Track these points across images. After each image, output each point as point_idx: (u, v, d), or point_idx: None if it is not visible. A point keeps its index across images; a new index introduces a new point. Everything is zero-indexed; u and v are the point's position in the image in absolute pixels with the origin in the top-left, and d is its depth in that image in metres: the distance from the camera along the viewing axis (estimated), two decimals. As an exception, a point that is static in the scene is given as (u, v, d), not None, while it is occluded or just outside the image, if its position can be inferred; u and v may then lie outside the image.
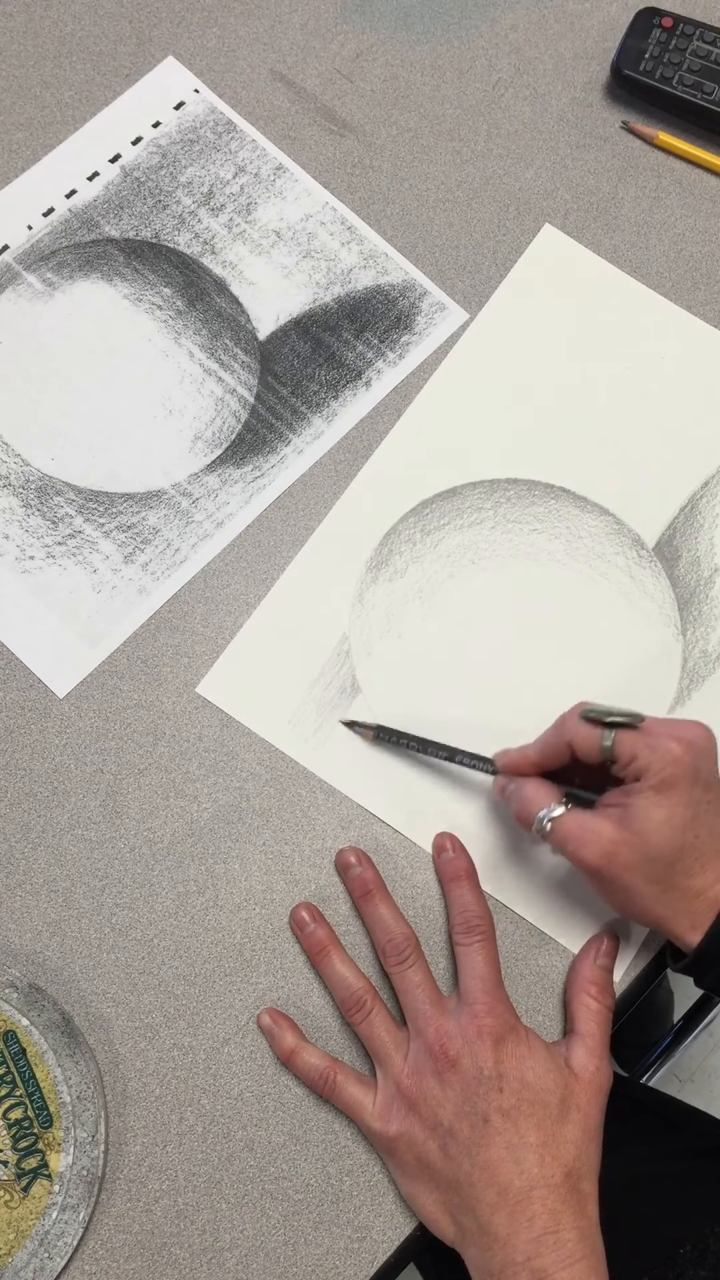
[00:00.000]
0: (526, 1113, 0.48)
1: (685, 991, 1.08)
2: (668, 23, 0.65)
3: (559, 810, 0.49)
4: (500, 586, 0.59)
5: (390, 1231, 0.51)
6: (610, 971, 0.53)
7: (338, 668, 0.57)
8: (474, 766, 0.54)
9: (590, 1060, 0.50)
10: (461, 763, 0.55)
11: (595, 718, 0.49)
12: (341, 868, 0.55)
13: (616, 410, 0.61)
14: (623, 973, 0.54)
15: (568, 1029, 0.52)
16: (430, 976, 0.52)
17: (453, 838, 0.55)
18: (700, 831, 0.47)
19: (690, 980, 0.50)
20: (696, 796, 0.47)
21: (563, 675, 0.58)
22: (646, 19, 0.65)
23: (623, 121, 0.66)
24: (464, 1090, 0.48)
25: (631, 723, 0.49)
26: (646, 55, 0.64)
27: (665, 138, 0.65)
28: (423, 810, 0.56)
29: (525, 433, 0.61)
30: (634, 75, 0.64)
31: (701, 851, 0.47)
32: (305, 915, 0.54)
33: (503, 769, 0.53)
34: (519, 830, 0.55)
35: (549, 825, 0.49)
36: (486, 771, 0.54)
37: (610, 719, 0.49)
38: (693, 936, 0.48)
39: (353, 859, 0.54)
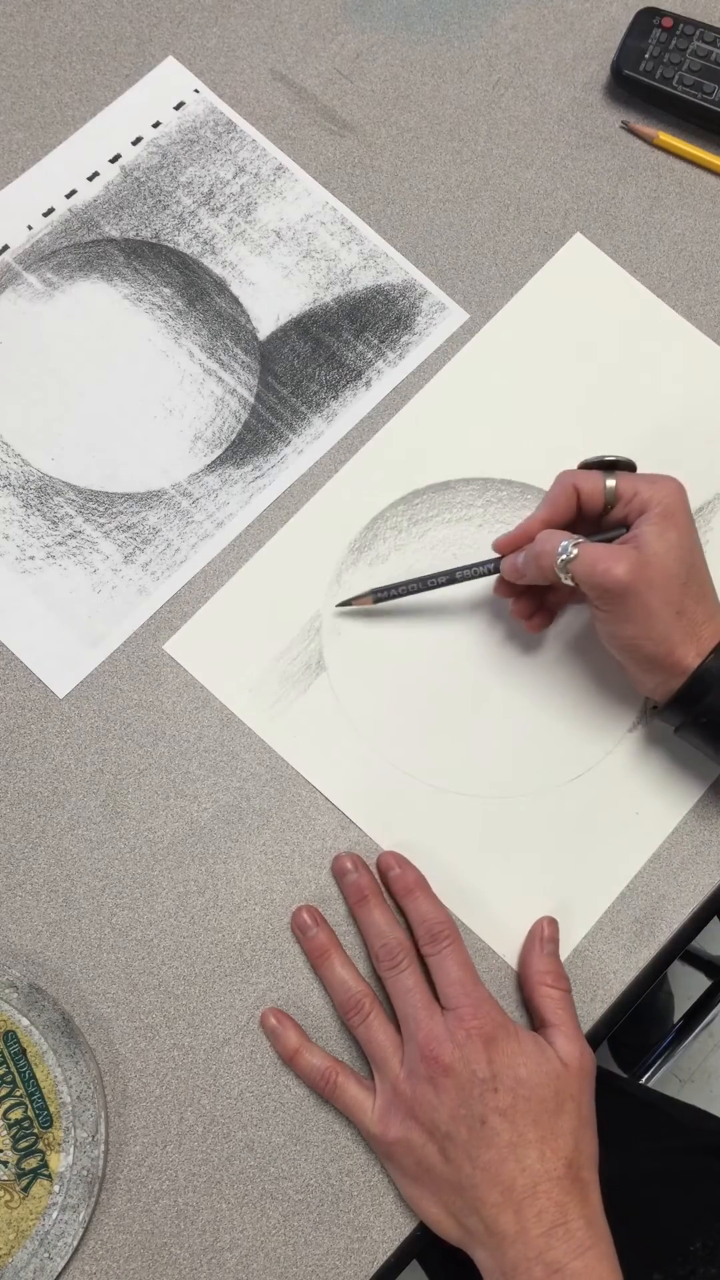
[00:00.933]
0: (523, 1110, 0.48)
1: (685, 992, 1.08)
2: (668, 23, 0.65)
3: (576, 543, 0.51)
4: (479, 585, 0.59)
5: (390, 1231, 0.51)
6: (558, 957, 0.54)
7: (306, 644, 0.58)
8: (481, 572, 0.55)
9: (572, 1047, 0.50)
10: (466, 576, 0.56)
11: (595, 462, 0.54)
12: (338, 873, 0.55)
13: (623, 426, 0.61)
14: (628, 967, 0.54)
15: (536, 1023, 0.52)
16: (423, 981, 0.52)
17: (396, 855, 0.54)
18: (698, 560, 0.51)
19: (690, 980, 0.50)
20: (690, 526, 0.52)
21: (529, 680, 0.58)
22: (646, 19, 0.65)
23: (623, 121, 0.66)
24: (459, 1094, 0.48)
25: (629, 463, 0.54)
26: (646, 55, 0.64)
27: (665, 138, 0.65)
28: (370, 793, 0.56)
29: (526, 437, 0.61)
30: (634, 75, 0.64)
31: (702, 580, 0.51)
32: (307, 918, 0.54)
33: (509, 543, 0.55)
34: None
35: (574, 552, 0.51)
36: (492, 570, 0.55)
37: (609, 460, 0.54)
38: (694, 662, 0.50)
39: (349, 864, 0.54)
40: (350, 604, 0.57)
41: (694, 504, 0.60)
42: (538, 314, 0.63)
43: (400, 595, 0.56)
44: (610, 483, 0.52)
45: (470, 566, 0.55)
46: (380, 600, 0.57)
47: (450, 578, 0.56)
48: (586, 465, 0.54)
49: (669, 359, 0.62)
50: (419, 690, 0.57)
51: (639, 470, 0.55)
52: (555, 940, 0.54)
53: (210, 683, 0.57)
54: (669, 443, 0.61)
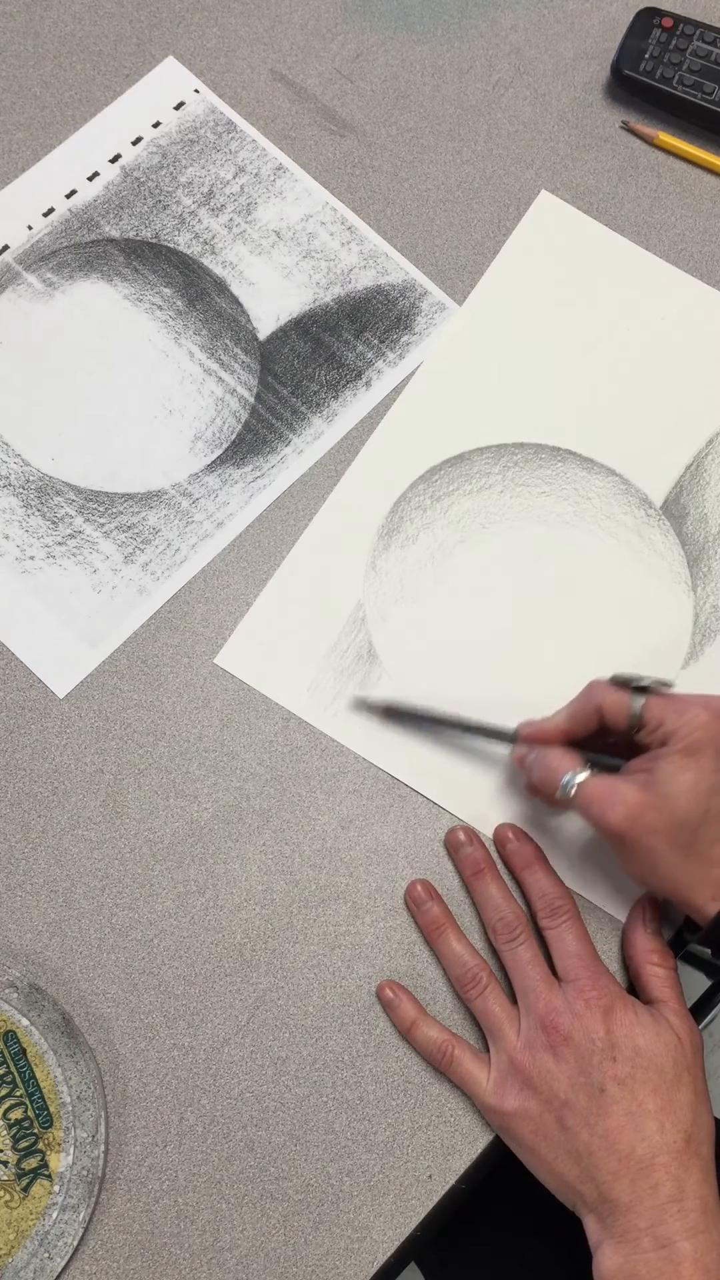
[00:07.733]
0: (642, 1079, 0.48)
1: (685, 992, 1.07)
2: (668, 23, 0.65)
3: (584, 774, 0.50)
4: (511, 549, 0.59)
5: (390, 1231, 0.51)
6: (661, 934, 0.53)
7: (354, 635, 0.58)
8: (495, 738, 0.54)
9: (683, 1023, 0.50)
10: (478, 734, 0.55)
11: (625, 681, 0.51)
12: (452, 846, 0.55)
13: (620, 372, 0.62)
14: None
15: (643, 1000, 0.52)
16: (539, 954, 0.52)
17: (514, 827, 0.55)
18: None
19: (690, 980, 0.50)
20: (718, 762, 0.48)
21: (575, 635, 0.58)
22: (646, 19, 0.65)
23: (623, 121, 0.66)
24: (578, 1062, 0.48)
25: (661, 687, 0.50)
26: (646, 55, 0.64)
27: (665, 138, 0.65)
28: (448, 771, 0.56)
29: (530, 397, 0.61)
30: (634, 75, 0.64)
31: None
32: (421, 892, 0.54)
33: (527, 738, 0.53)
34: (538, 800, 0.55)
35: (574, 789, 0.49)
36: (506, 742, 0.54)
37: (640, 683, 0.50)
38: (713, 906, 0.48)
39: (463, 837, 0.54)
40: (365, 704, 0.56)
41: (695, 444, 0.61)
42: (527, 276, 0.63)
43: (410, 722, 0.56)
44: (637, 705, 0.50)
45: (488, 728, 0.54)
46: (390, 717, 0.56)
47: (464, 728, 0.55)
48: (618, 680, 0.51)
49: (660, 301, 0.63)
50: (473, 660, 0.57)
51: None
52: (658, 920, 0.54)
53: (267, 689, 0.57)
54: (665, 383, 0.61)
